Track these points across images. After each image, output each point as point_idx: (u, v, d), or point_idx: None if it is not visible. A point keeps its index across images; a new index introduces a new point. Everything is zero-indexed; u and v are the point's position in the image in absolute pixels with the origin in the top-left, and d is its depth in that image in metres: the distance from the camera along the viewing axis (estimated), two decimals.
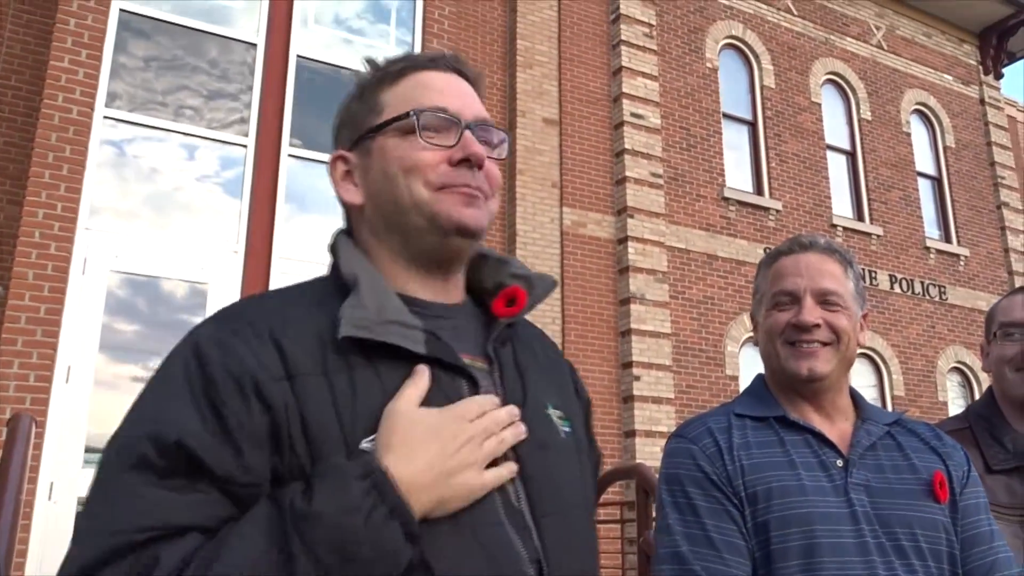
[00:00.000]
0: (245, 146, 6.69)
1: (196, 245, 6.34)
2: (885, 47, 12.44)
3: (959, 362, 11.43)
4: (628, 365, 8.78)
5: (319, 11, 7.45)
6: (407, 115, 0.96)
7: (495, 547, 0.85)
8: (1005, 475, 1.59)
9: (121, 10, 6.46)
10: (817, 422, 1.40)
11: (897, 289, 11.16)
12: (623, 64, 9.81)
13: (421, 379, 0.88)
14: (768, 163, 10.72)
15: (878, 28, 12.48)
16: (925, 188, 12.28)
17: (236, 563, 0.74)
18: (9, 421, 2.33)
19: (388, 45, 7.75)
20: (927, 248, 11.74)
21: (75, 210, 5.85)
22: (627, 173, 9.42)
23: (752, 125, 10.90)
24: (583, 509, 0.99)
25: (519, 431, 0.91)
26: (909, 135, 12.28)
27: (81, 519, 0.80)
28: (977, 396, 11.23)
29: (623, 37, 9.92)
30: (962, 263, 12.00)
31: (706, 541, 1.27)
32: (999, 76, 13.60)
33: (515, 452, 0.91)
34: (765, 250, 10.16)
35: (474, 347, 0.98)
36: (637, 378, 8.68)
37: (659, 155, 9.76)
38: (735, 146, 10.69)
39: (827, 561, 1.24)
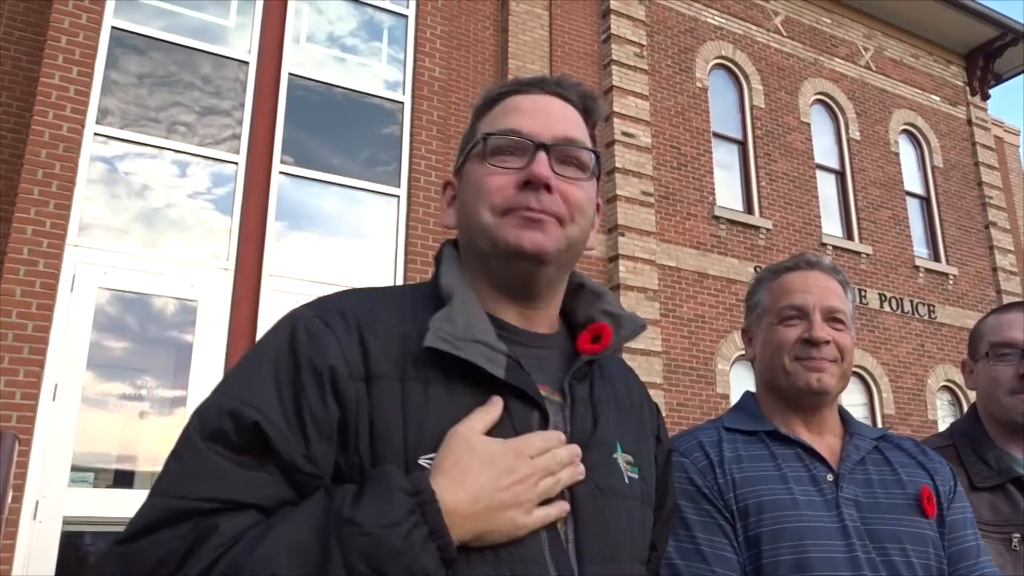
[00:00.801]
0: (236, 163, 6.68)
1: (186, 262, 6.31)
2: (873, 68, 12.56)
3: (949, 380, 11.46)
4: None
5: (312, 29, 7.47)
6: (484, 138, 0.97)
7: None
8: (989, 492, 1.60)
9: (113, 27, 6.47)
10: (807, 437, 1.40)
11: (887, 308, 11.21)
12: (614, 83, 9.88)
13: (493, 408, 0.88)
14: (758, 182, 10.78)
15: (866, 49, 12.60)
16: (914, 207, 12.36)
17: (279, 546, 0.76)
18: None
19: (380, 63, 7.78)
20: (916, 267, 11.80)
21: (64, 227, 5.82)
22: (618, 191, 9.45)
23: (742, 144, 10.97)
24: (633, 559, 0.96)
25: (577, 471, 0.90)
26: (898, 155, 12.38)
27: (158, 478, 0.84)
28: None
29: (614, 57, 9.99)
30: (951, 282, 12.06)
31: (697, 555, 1.27)
32: (986, 97, 13.74)
33: (571, 492, 0.90)
34: (756, 268, 10.19)
35: (552, 380, 0.96)
36: None
37: (650, 174, 9.80)
38: (725, 165, 10.75)
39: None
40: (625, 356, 8.70)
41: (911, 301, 11.52)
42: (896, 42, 12.97)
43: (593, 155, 1.01)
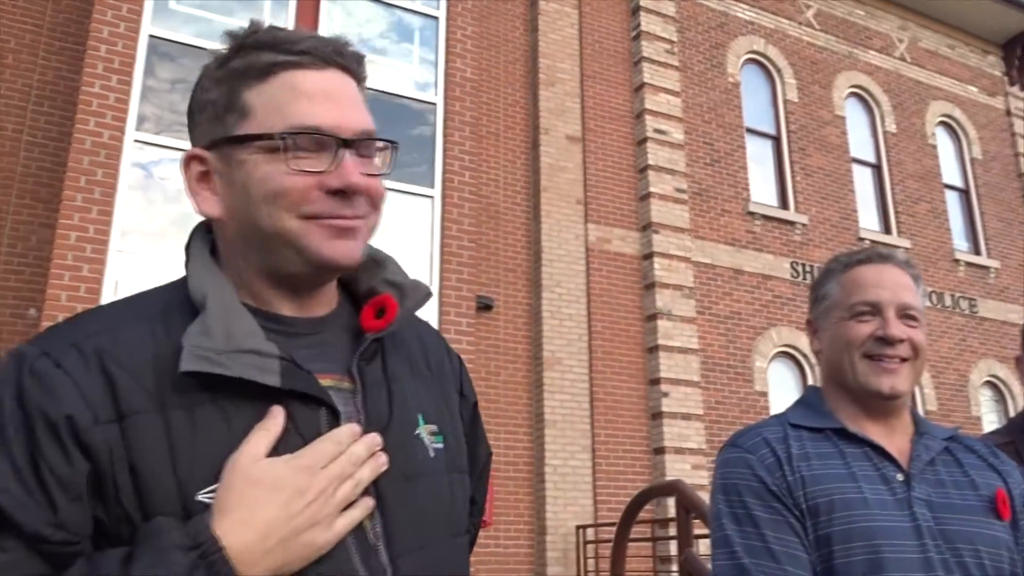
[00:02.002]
0: None
1: None
2: (908, 59, 12.37)
3: (992, 375, 11.23)
4: (656, 382, 8.71)
5: (342, 31, 7.49)
6: (273, 137, 0.83)
7: None
8: None
9: (150, 36, 6.55)
10: (876, 435, 1.36)
11: (927, 302, 11.01)
12: (645, 80, 9.82)
13: (274, 423, 0.79)
14: (793, 177, 10.66)
15: (901, 40, 12.41)
16: (953, 200, 12.14)
17: None
18: None
19: (411, 65, 7.80)
20: (956, 260, 11.59)
21: (107, 232, 5.91)
22: (651, 189, 9.39)
23: (776, 139, 10.85)
24: (450, 536, 0.91)
25: (379, 464, 0.83)
26: (935, 147, 12.17)
27: None
28: (1012, 410, 11.02)
29: (644, 54, 9.93)
30: (992, 275, 11.83)
31: (767, 553, 1.24)
32: None
33: (375, 483, 0.83)
34: (792, 264, 10.08)
35: (339, 365, 0.88)
36: (665, 394, 8.61)
37: (683, 170, 9.72)
38: (759, 160, 10.64)
39: None
40: (663, 354, 8.66)
41: (952, 295, 11.32)
42: (931, 33, 12.76)
43: (388, 143, 0.91)
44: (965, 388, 10.86)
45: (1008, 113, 13.16)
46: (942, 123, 12.51)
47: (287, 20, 7.16)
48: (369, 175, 0.87)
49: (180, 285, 0.88)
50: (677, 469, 8.29)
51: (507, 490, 7.82)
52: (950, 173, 12.29)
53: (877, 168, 11.58)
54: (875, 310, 1.37)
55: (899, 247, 11.08)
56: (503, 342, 8.30)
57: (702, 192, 9.85)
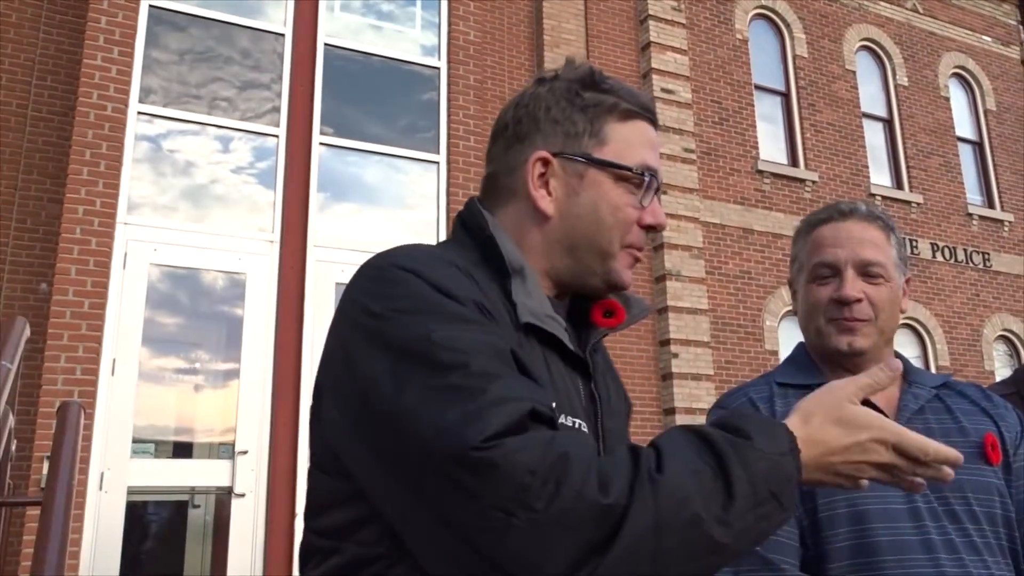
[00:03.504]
0: (277, 136, 6.72)
1: (233, 236, 6.40)
2: (920, 10, 12.13)
3: (1006, 330, 11.18)
4: (666, 343, 8.73)
5: None
6: (641, 174, 1.02)
7: None
8: None
9: (151, 6, 6.51)
10: None
11: (939, 257, 10.94)
12: (651, 39, 9.69)
13: (877, 378, 0.93)
14: (803, 134, 10.54)
15: None
16: (966, 153, 11.99)
17: (682, 470, 0.78)
18: (59, 410, 2.37)
19: (414, 29, 7.73)
20: (969, 215, 11.47)
21: (114, 205, 5.93)
22: (660, 149, 9.30)
23: (785, 96, 10.72)
24: None
25: (947, 475, 0.92)
26: (948, 99, 11.99)
27: (480, 390, 0.79)
28: None
29: (651, 12, 9.79)
30: (1006, 229, 11.72)
31: None
32: None
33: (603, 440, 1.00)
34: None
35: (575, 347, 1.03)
36: (675, 355, 8.63)
37: (691, 130, 9.64)
38: (768, 118, 10.52)
39: (878, 527, 1.22)
40: (672, 315, 8.66)
41: (965, 250, 11.22)
42: None
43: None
44: (978, 343, 10.82)
45: (1023, 62, 12.92)
46: (955, 75, 12.30)
47: None
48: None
49: (463, 247, 1.01)
50: None
51: None
52: (963, 126, 12.12)
53: (888, 123, 11.43)
54: (834, 270, 1.35)
55: (911, 202, 10.98)
56: None
57: (711, 151, 9.77)
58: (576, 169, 1.02)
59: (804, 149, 10.49)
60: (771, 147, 10.34)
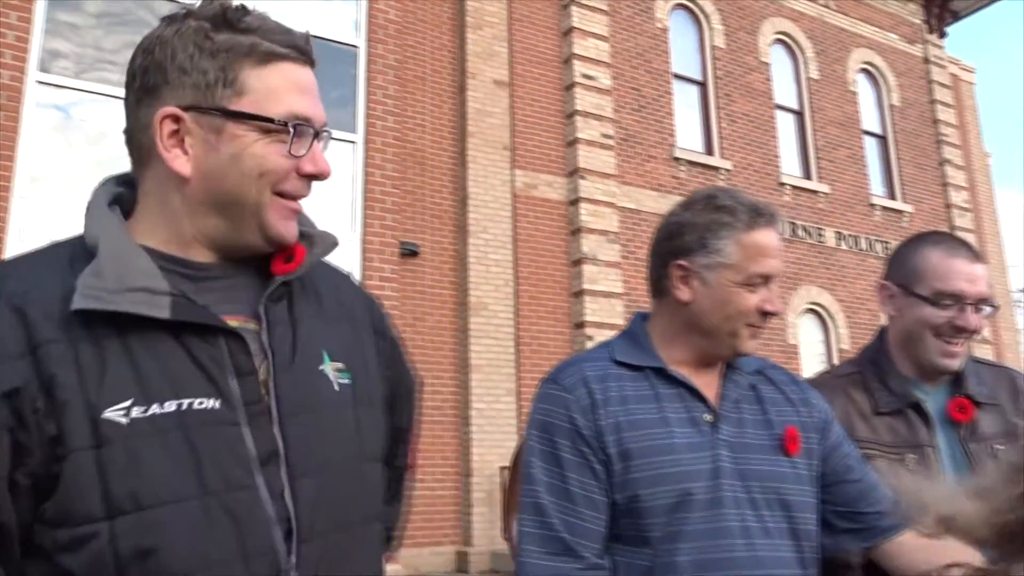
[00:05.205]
0: None
1: None
2: (833, 6, 12.54)
3: None
4: (581, 325, 8.87)
5: None
6: (284, 125, 0.93)
7: (244, 510, 0.87)
8: (890, 416, 1.67)
9: None
10: (691, 374, 1.42)
11: (843, 246, 11.39)
12: (574, 24, 9.77)
13: None
14: (719, 123, 10.81)
15: None
16: (871, 146, 12.49)
17: None
18: None
19: (333, 5, 7.60)
20: (872, 205, 11.97)
21: (8, 179, 5.69)
22: (578, 135, 9.42)
23: (702, 85, 10.95)
24: (355, 459, 0.99)
25: None
26: (856, 94, 12.45)
27: None
28: None
29: None
30: (906, 219, 12.27)
31: (566, 494, 1.32)
32: (943, 35, 13.80)
33: (278, 411, 0.92)
34: None
35: (247, 307, 0.96)
36: (590, 338, 8.78)
37: (610, 116, 9.77)
38: (686, 106, 10.74)
39: (692, 516, 1.30)
40: (588, 299, 8.81)
41: (867, 239, 11.71)
42: None
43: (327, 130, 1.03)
44: (877, 327, 11.32)
45: (926, 61, 13.50)
46: (863, 70, 12.77)
47: None
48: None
49: (80, 236, 0.95)
50: None
51: (433, 434, 7.94)
52: (869, 120, 12.61)
53: (799, 114, 11.81)
54: (766, 281, 1.40)
55: (819, 192, 11.39)
56: (429, 288, 8.33)
57: (629, 138, 9.93)
58: (212, 124, 0.93)
59: (720, 138, 10.75)
60: (688, 135, 10.57)
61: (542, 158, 9.33)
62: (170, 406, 0.86)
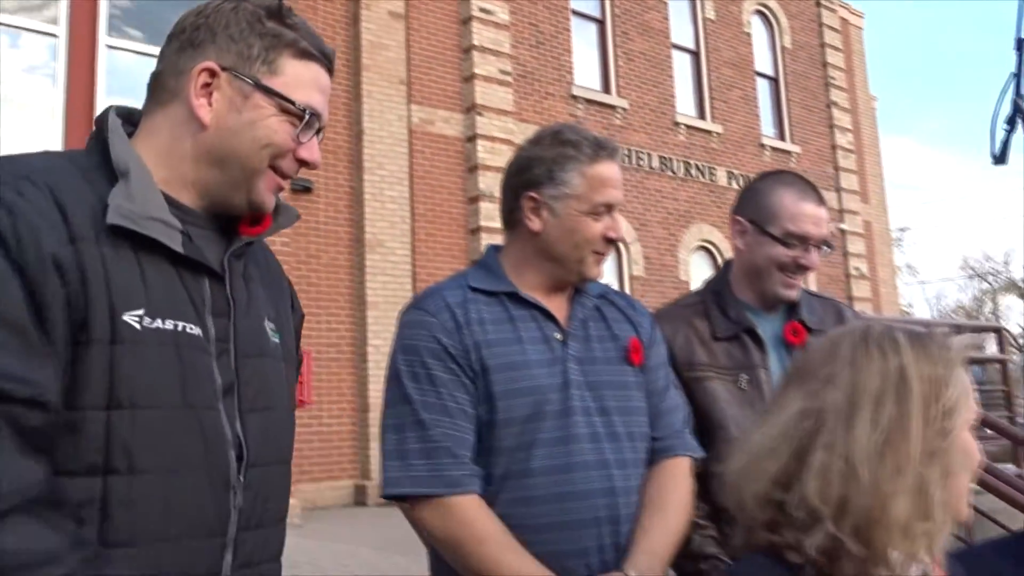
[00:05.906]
0: (56, 35, 6.19)
1: (14, 142, 5.89)
2: None
3: None
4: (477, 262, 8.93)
5: None
6: (301, 111, 1.09)
7: (211, 428, 1.02)
8: (727, 342, 1.80)
9: None
10: (543, 298, 1.54)
11: (734, 185, 11.75)
12: None
13: None
14: (616, 61, 10.89)
15: None
16: (763, 87, 12.84)
17: None
18: None
19: None
20: (762, 145, 12.36)
21: None
22: (475, 70, 9.35)
23: (600, 23, 10.98)
24: (286, 407, 1.17)
25: None
26: (750, 35, 12.72)
27: None
28: None
29: None
30: (794, 160, 12.73)
31: (442, 409, 1.43)
32: None
33: (235, 355, 1.07)
34: None
35: (214, 257, 1.09)
36: None
37: (508, 52, 9.72)
38: (584, 44, 10.77)
39: (544, 425, 1.43)
40: (485, 236, 8.86)
41: None
42: None
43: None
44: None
45: (817, 3, 13.87)
46: (758, 11, 13.04)
47: None
48: None
49: (89, 153, 1.05)
50: None
51: (329, 371, 7.94)
52: (762, 61, 12.93)
53: (695, 55, 12.00)
54: (609, 210, 1.51)
55: (712, 132, 11.68)
56: (324, 225, 8.22)
57: (526, 75, 9.91)
58: (243, 89, 1.07)
59: (617, 76, 10.85)
60: (585, 73, 10.62)
61: (439, 93, 9.23)
62: (169, 324, 0.99)
